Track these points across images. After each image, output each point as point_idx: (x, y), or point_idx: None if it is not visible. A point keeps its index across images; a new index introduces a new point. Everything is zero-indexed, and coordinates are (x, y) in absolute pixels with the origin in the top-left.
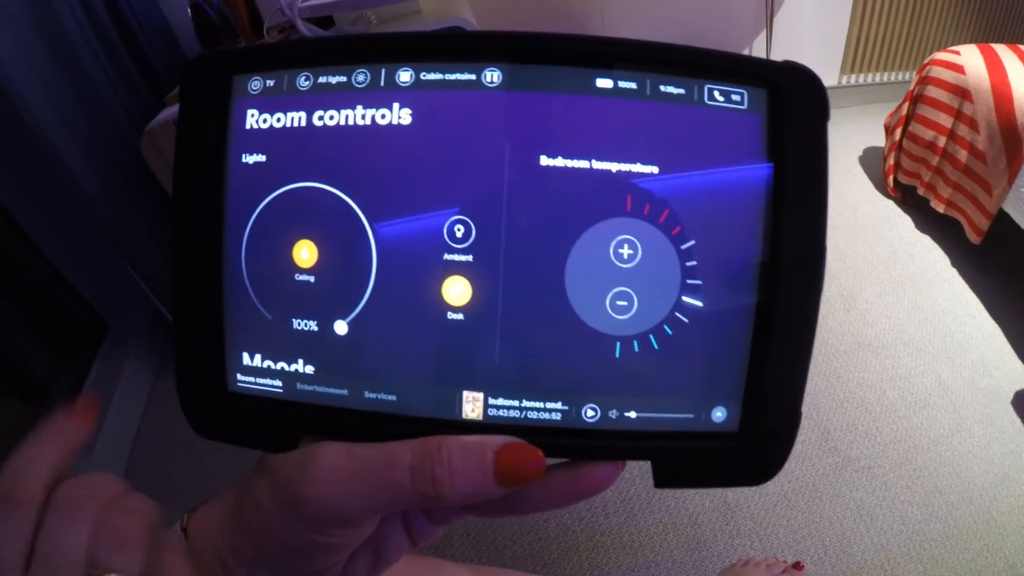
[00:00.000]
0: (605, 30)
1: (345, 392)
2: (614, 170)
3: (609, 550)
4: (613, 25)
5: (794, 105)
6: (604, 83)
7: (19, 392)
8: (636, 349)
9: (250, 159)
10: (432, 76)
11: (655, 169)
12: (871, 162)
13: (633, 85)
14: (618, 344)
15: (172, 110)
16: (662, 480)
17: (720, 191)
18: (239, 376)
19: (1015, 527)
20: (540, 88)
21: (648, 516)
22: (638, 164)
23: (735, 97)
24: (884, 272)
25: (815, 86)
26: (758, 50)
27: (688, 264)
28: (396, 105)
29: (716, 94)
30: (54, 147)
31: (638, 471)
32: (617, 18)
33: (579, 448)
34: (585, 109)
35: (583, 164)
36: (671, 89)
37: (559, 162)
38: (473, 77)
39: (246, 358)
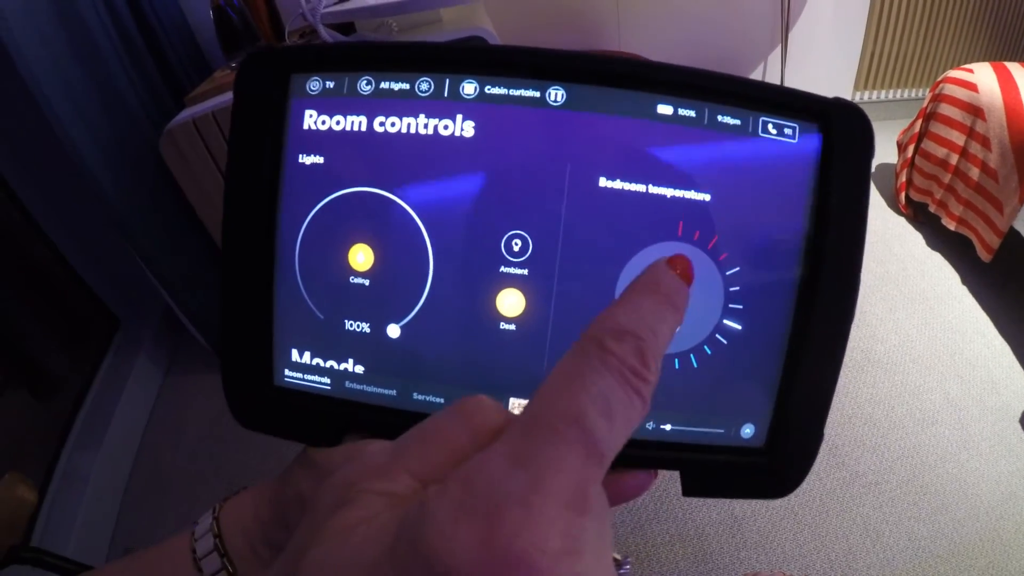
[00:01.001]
0: (621, 44)
1: (394, 392)
2: (668, 195)
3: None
4: (629, 39)
5: (843, 141)
6: (665, 109)
7: (30, 385)
8: (676, 367)
9: (307, 160)
10: (497, 90)
11: (707, 196)
12: (883, 179)
13: (692, 113)
14: None
15: (191, 111)
16: (690, 489)
17: (766, 221)
18: (287, 372)
19: (1021, 545)
20: (602, 110)
21: (656, 527)
22: (692, 191)
23: (787, 131)
24: (894, 289)
25: (863, 124)
26: (773, 66)
27: (732, 289)
28: (459, 117)
29: (770, 127)
30: (74, 144)
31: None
32: (633, 32)
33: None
34: (645, 133)
35: (640, 188)
36: (728, 119)
37: (617, 184)
38: (537, 94)
39: (295, 355)
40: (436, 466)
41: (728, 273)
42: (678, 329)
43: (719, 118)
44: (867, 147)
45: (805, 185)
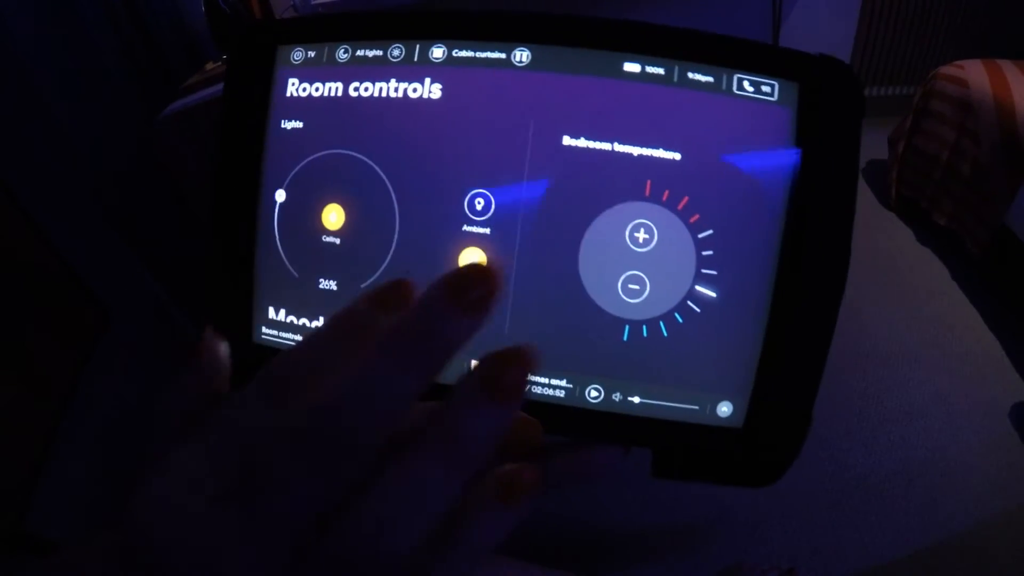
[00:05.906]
0: None
1: None
2: (635, 154)
3: (604, 550)
4: None
5: (827, 100)
6: (632, 67)
7: (20, 378)
8: (644, 334)
9: (288, 125)
10: (464, 53)
11: (677, 156)
12: (874, 175)
13: (661, 71)
14: (627, 327)
15: (183, 101)
16: (659, 470)
17: (744, 182)
18: (264, 329)
19: (1010, 538)
20: (568, 69)
21: (643, 517)
22: (660, 150)
23: (765, 88)
24: (885, 283)
25: (851, 81)
26: None
27: (704, 253)
28: (428, 80)
29: (746, 84)
30: (64, 133)
31: (634, 470)
32: None
33: (580, 427)
34: (611, 92)
35: (605, 146)
36: (699, 77)
37: (581, 143)
38: (503, 56)
39: (271, 312)
40: None
41: (700, 236)
42: (647, 292)
43: (690, 75)
44: (856, 106)
45: (785, 144)
